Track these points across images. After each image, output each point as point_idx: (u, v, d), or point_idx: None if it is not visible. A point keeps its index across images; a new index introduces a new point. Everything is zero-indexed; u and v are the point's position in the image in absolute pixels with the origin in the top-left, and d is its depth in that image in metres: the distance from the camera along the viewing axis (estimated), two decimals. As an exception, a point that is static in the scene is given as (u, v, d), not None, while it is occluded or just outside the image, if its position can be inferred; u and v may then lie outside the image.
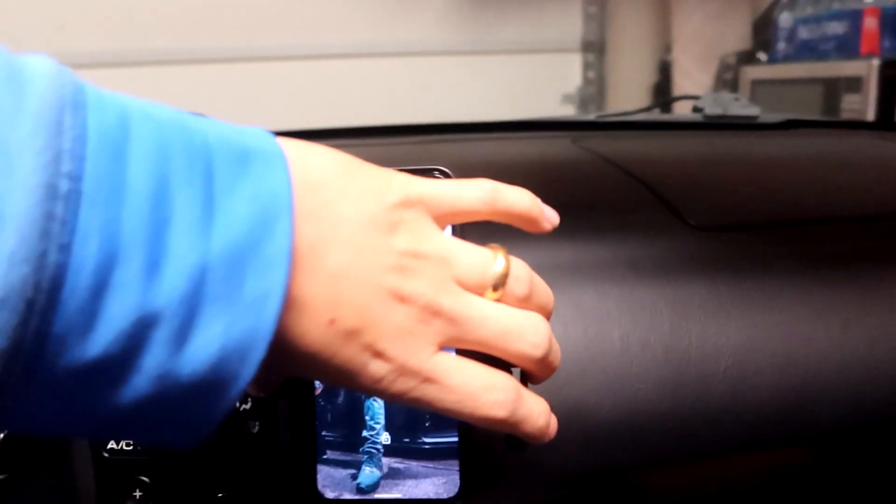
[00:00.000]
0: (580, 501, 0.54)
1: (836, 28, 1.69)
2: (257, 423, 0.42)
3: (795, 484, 0.60)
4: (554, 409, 0.49)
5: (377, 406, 0.38)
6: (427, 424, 0.37)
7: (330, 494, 0.37)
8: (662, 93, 2.27)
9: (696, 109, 0.93)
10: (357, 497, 0.37)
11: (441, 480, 0.37)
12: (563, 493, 0.50)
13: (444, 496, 0.37)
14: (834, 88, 1.62)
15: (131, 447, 0.44)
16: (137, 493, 0.44)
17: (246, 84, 2.31)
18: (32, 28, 2.25)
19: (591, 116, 1.10)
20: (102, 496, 0.44)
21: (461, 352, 0.28)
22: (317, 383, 0.38)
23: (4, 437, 0.43)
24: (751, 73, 1.93)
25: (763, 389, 0.49)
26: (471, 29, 2.49)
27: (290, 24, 2.39)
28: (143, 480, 0.44)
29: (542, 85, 2.52)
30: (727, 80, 2.00)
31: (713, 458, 0.52)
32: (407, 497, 0.37)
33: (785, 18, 1.87)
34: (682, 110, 1.42)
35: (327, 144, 0.28)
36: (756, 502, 0.60)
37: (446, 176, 0.38)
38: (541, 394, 0.48)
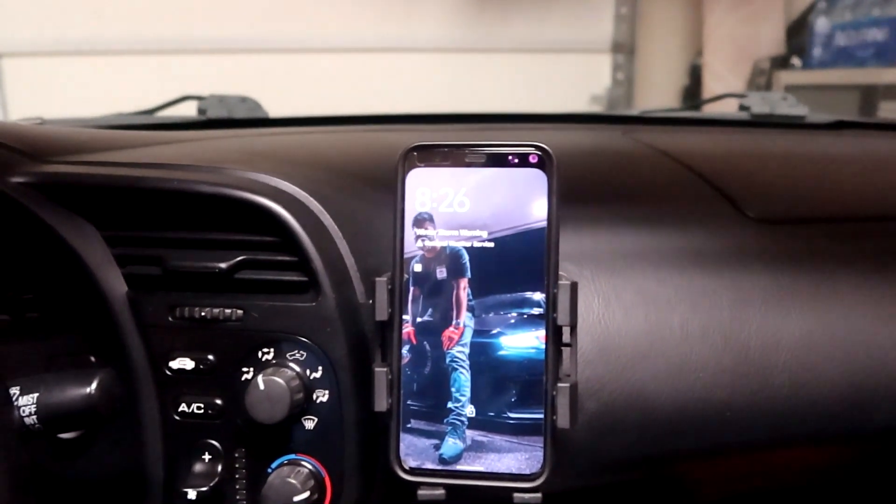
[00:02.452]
0: (636, 487, 0.54)
1: (876, 34, 1.67)
2: (326, 392, 0.43)
3: (846, 481, 0.59)
4: (614, 393, 0.49)
5: (464, 378, 0.38)
6: (513, 400, 0.37)
7: (412, 463, 0.37)
8: (692, 96, 2.25)
9: (742, 108, 0.92)
10: (439, 467, 0.37)
11: (524, 456, 0.37)
12: (622, 477, 0.50)
13: (527, 472, 0.37)
14: (871, 95, 1.61)
15: (202, 410, 0.44)
16: (207, 457, 0.44)
17: (285, 73, 2.32)
18: (72, 14, 2.28)
19: (634, 111, 1.10)
20: (171, 459, 0.44)
21: None
22: (405, 352, 0.38)
23: (78, 395, 0.43)
24: (784, 77, 1.91)
25: (822, 385, 0.49)
26: (502, 27, 2.49)
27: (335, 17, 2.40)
28: (213, 444, 0.44)
29: (570, 85, 2.51)
30: (760, 84, 1.98)
31: (768, 451, 0.52)
32: (489, 470, 0.37)
33: (821, 24, 1.86)
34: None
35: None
36: (804, 498, 0.60)
37: (547, 154, 0.38)
38: (601, 376, 0.48)
